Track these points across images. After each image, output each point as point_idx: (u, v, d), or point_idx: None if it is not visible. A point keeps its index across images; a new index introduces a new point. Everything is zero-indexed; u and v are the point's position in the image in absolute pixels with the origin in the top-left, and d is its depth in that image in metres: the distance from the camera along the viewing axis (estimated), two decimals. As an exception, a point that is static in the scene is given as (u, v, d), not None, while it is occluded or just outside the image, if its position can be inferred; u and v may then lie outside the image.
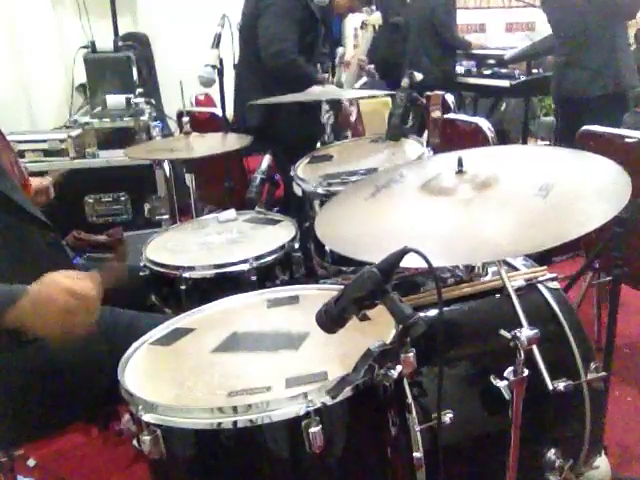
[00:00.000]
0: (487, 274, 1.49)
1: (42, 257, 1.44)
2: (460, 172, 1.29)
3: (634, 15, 3.41)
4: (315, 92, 2.28)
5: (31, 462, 1.87)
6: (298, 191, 1.95)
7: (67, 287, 1.15)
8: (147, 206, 3.02)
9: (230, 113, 3.51)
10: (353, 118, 3.34)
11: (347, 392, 1.01)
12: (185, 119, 2.31)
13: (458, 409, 1.20)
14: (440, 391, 1.06)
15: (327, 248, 1.81)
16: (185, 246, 1.88)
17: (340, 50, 3.29)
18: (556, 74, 3.40)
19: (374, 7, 3.29)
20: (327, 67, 3.37)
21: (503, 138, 4.54)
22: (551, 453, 1.33)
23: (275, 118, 2.34)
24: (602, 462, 1.54)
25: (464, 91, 4.80)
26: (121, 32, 4.05)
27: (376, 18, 3.16)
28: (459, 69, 4.76)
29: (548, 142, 4.73)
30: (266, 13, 2.78)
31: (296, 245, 1.83)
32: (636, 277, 1.88)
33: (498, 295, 1.40)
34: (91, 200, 3.21)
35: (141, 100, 3.28)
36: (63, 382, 1.39)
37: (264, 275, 1.72)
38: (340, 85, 3.11)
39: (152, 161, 3.02)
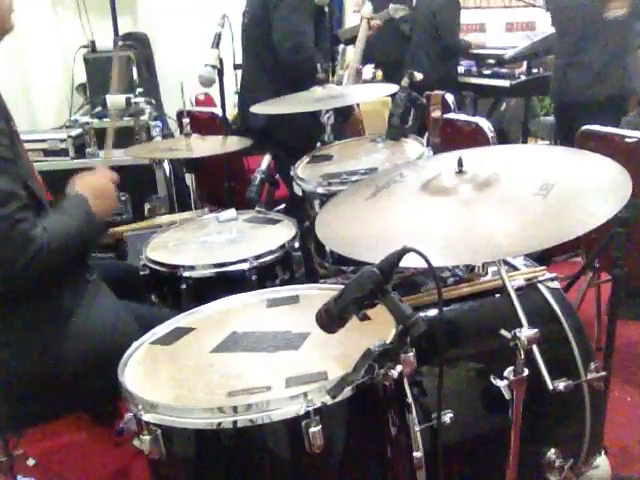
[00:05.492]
0: (487, 274, 1.49)
1: None
2: (460, 172, 1.28)
3: None
4: (316, 94, 2.27)
5: (31, 462, 1.87)
6: (298, 191, 1.95)
7: (98, 179, 1.63)
8: (147, 206, 3.02)
9: (232, 113, 3.51)
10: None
11: (347, 392, 1.01)
12: (185, 120, 2.31)
13: (458, 409, 1.20)
14: (440, 391, 1.06)
15: (327, 248, 1.80)
16: (185, 246, 1.88)
17: (341, 47, 3.28)
18: (557, 75, 3.37)
19: None
20: (327, 66, 3.36)
21: (503, 138, 4.54)
22: (551, 453, 1.33)
23: (278, 118, 2.34)
24: (602, 462, 1.54)
25: (464, 91, 4.79)
26: (121, 32, 4.05)
27: (367, 11, 3.14)
28: (459, 69, 4.76)
29: (548, 142, 4.72)
30: (280, 7, 2.72)
31: (296, 245, 1.83)
32: (636, 277, 1.88)
33: (498, 295, 1.40)
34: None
35: (141, 100, 3.28)
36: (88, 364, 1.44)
37: (264, 275, 1.72)
38: (340, 84, 3.10)
39: (152, 161, 3.02)
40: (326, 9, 2.92)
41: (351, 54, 3.44)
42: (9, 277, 1.30)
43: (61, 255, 1.36)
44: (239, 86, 3.30)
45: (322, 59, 2.76)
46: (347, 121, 3.11)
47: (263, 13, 2.82)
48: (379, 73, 4.38)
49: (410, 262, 0.99)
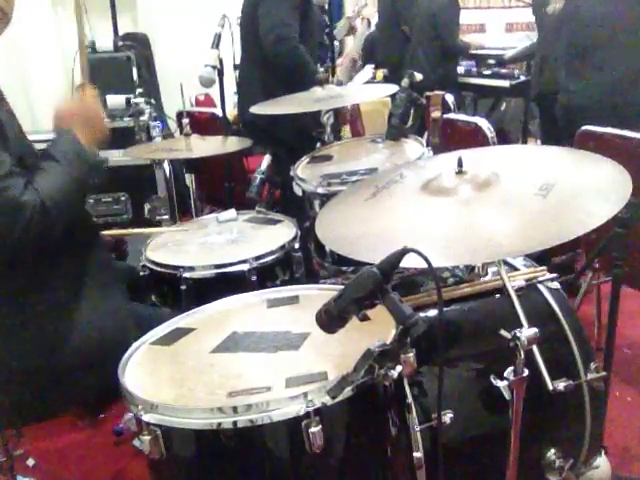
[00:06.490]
0: (487, 274, 1.49)
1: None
2: (460, 172, 1.29)
3: None
4: (316, 94, 2.27)
5: (31, 462, 1.87)
6: (298, 191, 1.95)
7: (83, 105, 1.51)
8: (147, 206, 3.02)
9: (232, 113, 3.52)
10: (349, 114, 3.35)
11: (347, 392, 1.01)
12: (185, 121, 2.31)
13: (458, 409, 1.20)
14: (440, 391, 1.06)
15: (327, 248, 1.80)
16: (185, 246, 1.88)
17: (336, 43, 3.29)
18: (535, 70, 3.36)
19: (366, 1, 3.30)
20: (327, 67, 3.36)
21: (503, 138, 4.54)
22: (551, 453, 1.33)
23: (276, 118, 2.35)
24: (602, 462, 1.53)
25: (464, 91, 4.80)
26: (121, 32, 4.05)
27: (369, 12, 3.16)
28: (459, 69, 4.76)
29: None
30: (265, 1, 2.75)
31: (296, 245, 1.83)
32: (636, 277, 1.88)
33: (498, 295, 1.40)
34: (91, 200, 3.21)
35: (141, 100, 3.27)
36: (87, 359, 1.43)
37: (264, 275, 1.72)
38: (339, 84, 3.10)
39: (152, 161, 3.02)
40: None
41: (350, 43, 3.46)
42: (10, 246, 1.28)
43: (62, 208, 1.32)
44: (237, 84, 3.31)
45: (308, 53, 2.77)
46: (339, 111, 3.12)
47: (251, 10, 2.84)
48: (379, 73, 4.39)
49: (410, 262, 0.99)
